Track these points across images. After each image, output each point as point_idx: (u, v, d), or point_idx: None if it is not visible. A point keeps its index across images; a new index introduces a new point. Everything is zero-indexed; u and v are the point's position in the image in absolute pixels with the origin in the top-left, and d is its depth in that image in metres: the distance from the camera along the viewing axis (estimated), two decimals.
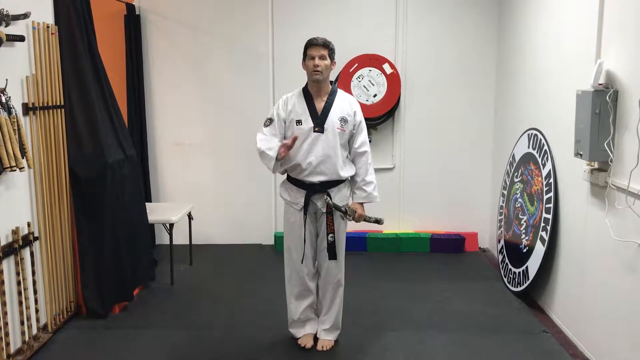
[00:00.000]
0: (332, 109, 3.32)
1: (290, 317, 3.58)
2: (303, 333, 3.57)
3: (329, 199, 3.28)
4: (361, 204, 3.41)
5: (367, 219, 3.37)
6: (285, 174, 3.48)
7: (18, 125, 3.20)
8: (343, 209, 3.31)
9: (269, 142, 3.30)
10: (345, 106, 3.36)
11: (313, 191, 3.34)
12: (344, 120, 3.32)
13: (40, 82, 3.52)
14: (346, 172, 3.37)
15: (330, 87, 3.39)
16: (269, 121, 3.39)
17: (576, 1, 3.56)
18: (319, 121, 3.29)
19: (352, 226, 5.19)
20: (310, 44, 3.29)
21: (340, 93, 3.42)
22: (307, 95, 3.36)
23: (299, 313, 3.53)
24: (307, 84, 3.39)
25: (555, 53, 3.90)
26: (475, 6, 5.25)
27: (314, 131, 3.28)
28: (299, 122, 3.30)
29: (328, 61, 3.29)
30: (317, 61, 3.24)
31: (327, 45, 3.27)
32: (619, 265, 3.00)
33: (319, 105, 3.33)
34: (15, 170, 3.13)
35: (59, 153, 3.71)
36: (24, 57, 3.42)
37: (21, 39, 3.28)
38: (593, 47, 3.25)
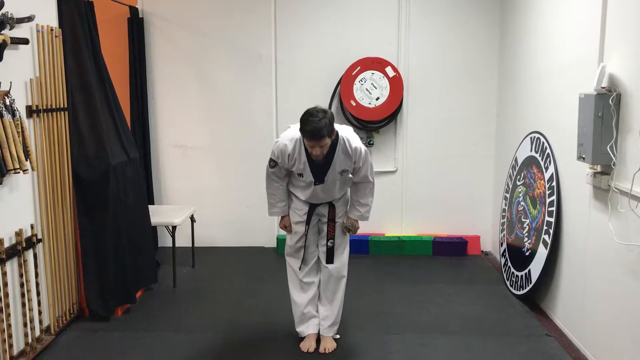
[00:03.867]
0: (332, 165, 3.27)
1: (295, 313, 3.60)
2: (306, 332, 3.58)
3: (345, 227, 3.48)
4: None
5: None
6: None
7: (22, 128, 3.21)
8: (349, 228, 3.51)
9: (276, 194, 3.46)
10: (346, 160, 3.28)
11: (316, 205, 3.45)
12: (345, 171, 3.35)
13: (44, 85, 3.53)
14: (346, 193, 3.53)
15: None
16: (274, 163, 3.33)
17: (579, 4, 3.57)
18: (320, 177, 3.31)
19: None
20: (308, 138, 3.06)
21: (340, 144, 3.24)
22: (307, 150, 3.22)
23: (302, 307, 3.55)
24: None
25: (557, 56, 3.91)
26: (478, 10, 5.25)
27: (314, 184, 3.34)
28: (300, 174, 3.33)
29: (328, 142, 3.09)
30: (317, 151, 3.10)
31: (324, 136, 3.03)
32: (622, 269, 2.99)
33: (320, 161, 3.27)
34: (18, 173, 3.15)
35: (62, 155, 3.72)
36: (28, 60, 3.43)
37: (25, 41, 3.29)
38: (596, 50, 3.25)
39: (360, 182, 3.41)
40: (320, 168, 3.26)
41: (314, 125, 3.00)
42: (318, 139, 3.04)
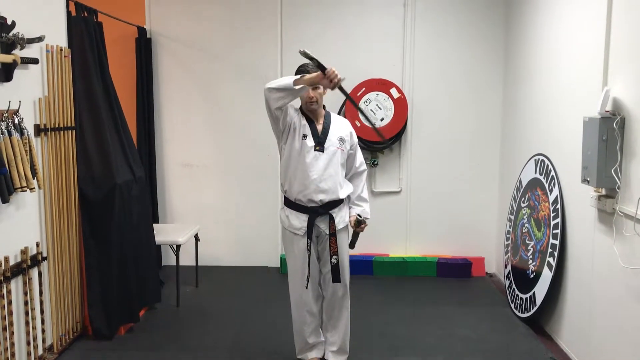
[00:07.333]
0: (331, 129, 3.38)
1: (298, 343, 3.56)
2: (310, 357, 3.55)
3: (306, 51, 3.04)
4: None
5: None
6: (284, 199, 3.48)
7: (29, 146, 3.24)
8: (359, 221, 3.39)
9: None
10: (342, 127, 3.44)
11: (316, 214, 3.35)
12: (342, 140, 3.39)
13: (52, 104, 3.57)
14: (344, 192, 3.41)
15: (324, 110, 3.43)
16: None
17: (583, 28, 3.60)
18: (320, 140, 3.33)
19: (358, 250, 5.19)
20: (302, 75, 3.19)
21: (334, 115, 3.48)
22: (306, 115, 3.39)
23: (305, 338, 3.51)
24: (301, 106, 3.42)
25: (562, 79, 3.93)
26: (482, 32, 5.30)
27: (315, 150, 3.31)
28: (305, 136, 3.32)
29: (322, 89, 3.30)
30: (311, 93, 3.27)
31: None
32: (628, 293, 2.98)
33: (318, 127, 3.38)
34: (25, 191, 3.16)
35: (69, 174, 3.75)
36: (37, 79, 3.48)
37: (35, 61, 3.33)
38: (600, 73, 3.27)
39: (359, 168, 3.49)
40: (320, 132, 3.35)
41: (310, 65, 3.18)
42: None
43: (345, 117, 5.17)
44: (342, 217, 3.42)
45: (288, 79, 3.08)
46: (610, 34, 3.21)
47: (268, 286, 5.08)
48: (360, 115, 3.20)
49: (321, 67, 3.03)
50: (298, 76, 3.11)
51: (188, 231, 4.70)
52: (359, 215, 3.41)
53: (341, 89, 3.14)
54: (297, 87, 3.06)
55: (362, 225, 3.39)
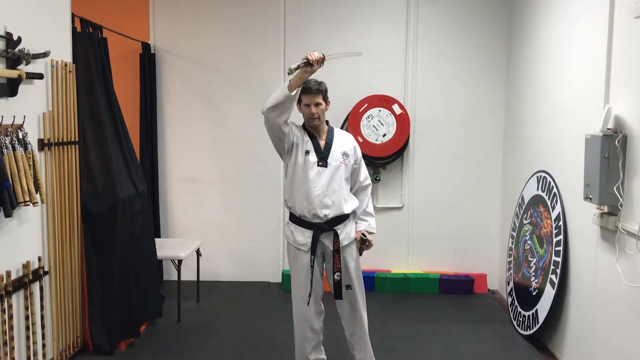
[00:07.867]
0: (334, 144, 3.40)
1: (299, 358, 3.54)
2: None
3: (290, 68, 3.12)
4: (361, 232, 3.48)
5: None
6: (289, 215, 3.48)
7: (33, 161, 3.25)
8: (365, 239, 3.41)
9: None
10: (345, 142, 3.46)
11: (320, 230, 3.35)
12: (345, 155, 3.40)
13: (57, 119, 3.59)
14: (349, 206, 3.41)
15: (327, 126, 3.46)
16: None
17: (585, 45, 3.62)
18: (323, 156, 3.35)
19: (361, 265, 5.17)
20: (304, 91, 3.25)
21: (337, 130, 3.50)
22: (308, 131, 3.42)
23: (306, 355, 3.49)
24: (304, 123, 3.46)
25: (563, 96, 3.94)
26: (484, 49, 5.33)
27: (318, 165, 3.33)
28: (307, 152, 3.35)
29: (323, 105, 3.34)
30: (313, 109, 3.30)
31: (320, 91, 3.30)
32: (631, 311, 2.97)
33: (321, 142, 3.40)
34: (28, 205, 3.17)
35: (72, 188, 3.75)
36: (42, 94, 3.50)
37: (40, 76, 3.36)
38: (601, 91, 3.29)
39: (364, 182, 3.52)
40: (322, 147, 3.37)
41: (312, 81, 3.26)
42: (314, 92, 3.26)
43: (348, 132, 5.21)
44: (348, 234, 3.41)
45: (281, 89, 3.14)
46: (611, 51, 3.23)
47: (269, 302, 5.06)
48: (341, 56, 3.28)
49: (305, 64, 3.10)
50: (287, 82, 3.15)
51: (190, 246, 4.70)
52: (363, 234, 3.42)
53: (330, 57, 3.17)
54: (293, 92, 3.11)
55: (367, 244, 3.41)
